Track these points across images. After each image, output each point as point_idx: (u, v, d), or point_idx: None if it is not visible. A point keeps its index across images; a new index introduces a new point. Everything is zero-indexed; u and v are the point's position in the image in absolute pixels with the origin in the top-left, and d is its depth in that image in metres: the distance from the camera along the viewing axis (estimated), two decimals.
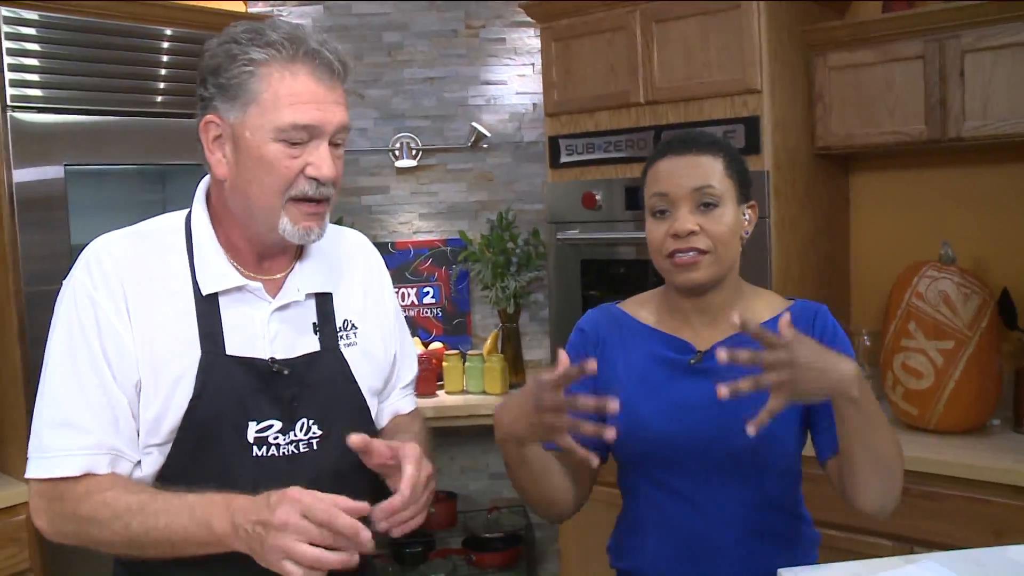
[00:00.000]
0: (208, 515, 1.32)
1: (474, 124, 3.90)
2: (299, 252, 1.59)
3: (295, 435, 1.50)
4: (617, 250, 3.25)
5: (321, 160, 1.43)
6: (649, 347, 1.72)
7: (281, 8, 3.89)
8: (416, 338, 3.95)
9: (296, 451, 1.50)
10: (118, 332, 1.42)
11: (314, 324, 1.56)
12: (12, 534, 2.72)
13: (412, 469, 1.39)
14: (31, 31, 2.78)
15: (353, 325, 1.61)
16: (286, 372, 1.49)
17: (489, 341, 3.77)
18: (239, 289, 1.50)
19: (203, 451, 1.45)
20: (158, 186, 3.50)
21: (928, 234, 3.12)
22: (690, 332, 1.72)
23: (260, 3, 3.89)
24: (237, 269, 1.51)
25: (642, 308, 1.80)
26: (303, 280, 1.56)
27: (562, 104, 3.35)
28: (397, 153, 3.93)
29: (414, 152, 3.94)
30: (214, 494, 1.34)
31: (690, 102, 3.02)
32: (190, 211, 1.56)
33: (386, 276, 1.75)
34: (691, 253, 1.61)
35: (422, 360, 3.66)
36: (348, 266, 1.66)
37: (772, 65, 2.87)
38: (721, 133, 2.91)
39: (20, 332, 2.77)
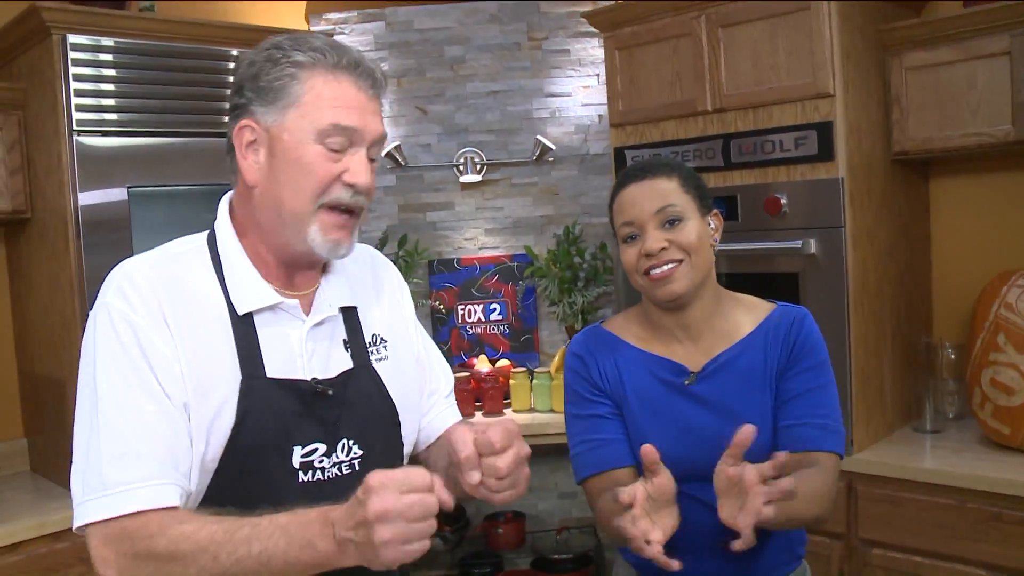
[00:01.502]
0: (309, 534, 1.20)
1: (539, 137, 3.85)
2: (325, 267, 1.55)
3: (338, 457, 1.44)
4: None
5: (359, 166, 1.41)
6: (646, 369, 1.79)
7: (343, 26, 3.89)
8: (483, 356, 3.89)
9: (340, 473, 1.44)
10: (164, 354, 1.34)
11: (344, 341, 1.52)
12: (81, 554, 2.58)
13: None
14: (97, 56, 2.82)
15: (382, 339, 1.57)
16: (330, 392, 1.44)
17: (557, 358, 3.70)
18: (272, 308, 1.45)
19: (248, 479, 1.38)
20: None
21: (1016, 241, 2.96)
22: (679, 350, 1.79)
23: (323, 22, 3.89)
24: (270, 286, 1.46)
25: (627, 328, 1.85)
26: (332, 294, 1.52)
27: (627, 114, 3.27)
28: (461, 168, 3.89)
29: (478, 167, 3.90)
30: (307, 511, 1.23)
31: (759, 109, 2.91)
32: (211, 230, 1.50)
33: (404, 285, 1.73)
34: (665, 267, 1.70)
35: (489, 378, 3.62)
36: (367, 278, 1.63)
37: (845, 67, 2.75)
38: (792, 140, 2.80)
39: None
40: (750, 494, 1.42)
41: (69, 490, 2.80)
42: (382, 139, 1.46)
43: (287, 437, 1.40)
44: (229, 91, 3.06)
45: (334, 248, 1.43)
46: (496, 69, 3.93)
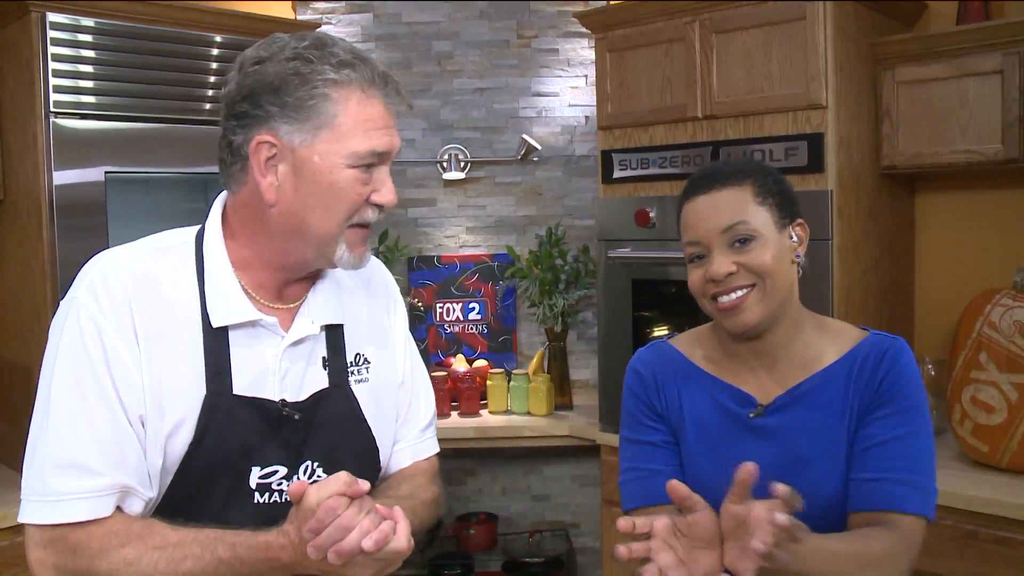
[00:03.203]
0: (264, 556, 1.24)
1: (524, 136, 3.81)
2: (316, 277, 1.48)
3: (298, 479, 1.38)
4: (670, 270, 3.12)
5: (387, 187, 1.38)
6: (709, 395, 1.58)
7: (330, 16, 3.83)
8: (461, 355, 3.86)
9: None
10: (126, 362, 1.30)
11: (324, 358, 1.45)
12: None
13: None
14: (77, 37, 2.75)
15: (365, 360, 1.50)
16: (296, 416, 1.38)
17: (535, 360, 3.67)
18: (254, 324, 1.39)
19: (200, 495, 1.34)
20: (200, 194, 3.44)
21: (1001, 259, 2.96)
22: (750, 379, 1.56)
23: (309, 11, 3.83)
24: (252, 298, 1.39)
25: (696, 348, 1.64)
26: (317, 310, 1.44)
27: (616, 117, 3.24)
28: (445, 165, 3.85)
29: (462, 164, 3.86)
30: (256, 536, 1.24)
31: (750, 117, 2.89)
32: (202, 228, 1.44)
33: (399, 299, 1.65)
34: (734, 295, 1.47)
35: (465, 378, 3.59)
36: (358, 291, 1.55)
37: (838, 79, 2.74)
38: (783, 150, 2.79)
39: None
40: (756, 532, 1.21)
41: None
42: (398, 150, 1.43)
43: (247, 457, 1.35)
44: (211, 78, 3.03)
45: (359, 262, 1.41)
46: (484, 66, 3.89)
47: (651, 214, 3.10)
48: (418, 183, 3.91)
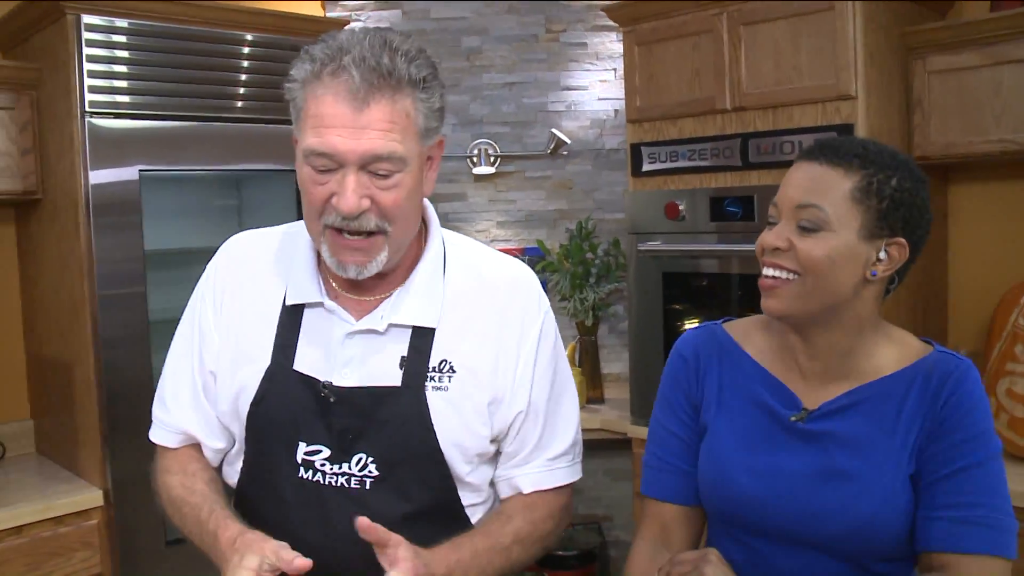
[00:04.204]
0: (205, 545, 1.41)
1: (554, 131, 3.81)
2: (405, 279, 1.46)
3: (348, 468, 1.41)
4: (701, 263, 3.12)
5: (343, 193, 1.30)
6: (752, 390, 1.47)
7: (359, 13, 3.86)
8: None
9: (346, 485, 1.41)
10: (209, 324, 1.52)
11: (402, 358, 1.43)
12: (85, 538, 2.76)
13: None
14: (111, 38, 2.79)
15: (452, 368, 1.43)
16: (332, 400, 1.41)
17: (567, 353, 3.68)
18: (322, 306, 1.45)
19: (261, 459, 1.48)
20: (233, 192, 3.49)
21: None
22: (798, 379, 1.45)
23: (339, 8, 3.86)
24: (328, 285, 1.46)
25: (750, 336, 1.52)
26: (396, 309, 1.43)
27: (644, 110, 3.23)
28: (475, 160, 3.86)
29: (492, 159, 3.87)
30: (212, 522, 1.40)
31: (779, 109, 2.88)
32: None
33: (536, 326, 1.50)
34: (775, 273, 1.36)
35: None
36: (475, 304, 1.48)
37: (868, 70, 2.71)
38: (812, 142, 2.76)
39: (94, 336, 2.78)
40: None
41: (73, 473, 2.84)
42: (380, 156, 1.29)
43: (295, 431, 1.42)
44: (243, 76, 3.07)
45: (341, 268, 1.37)
46: (512, 61, 3.90)
47: (681, 207, 3.10)
48: (449, 178, 3.93)
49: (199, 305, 1.55)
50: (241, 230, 3.43)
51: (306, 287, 1.45)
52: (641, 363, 3.26)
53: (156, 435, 1.58)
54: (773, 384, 1.46)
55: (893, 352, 1.41)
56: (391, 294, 1.45)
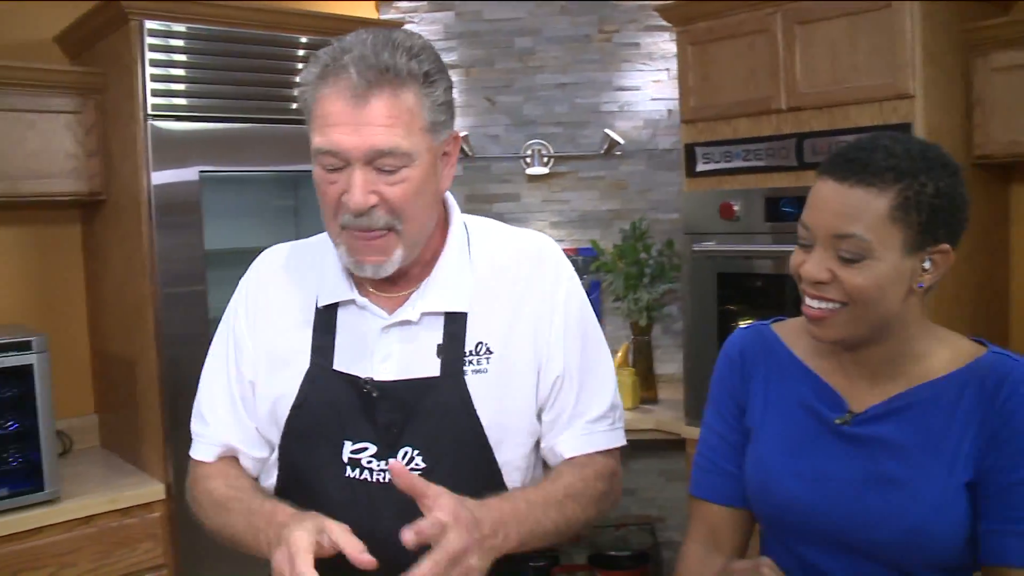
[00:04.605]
0: (255, 528, 1.35)
1: (607, 131, 3.81)
2: (431, 269, 1.48)
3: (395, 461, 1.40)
4: (755, 264, 3.11)
5: (352, 190, 1.32)
6: (798, 391, 1.44)
7: (412, 14, 3.90)
8: None
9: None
10: (244, 334, 1.53)
11: (439, 346, 1.44)
12: (149, 530, 2.84)
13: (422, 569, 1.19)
14: (170, 43, 2.86)
15: (488, 349, 1.44)
16: (375, 395, 1.42)
17: (620, 354, 3.68)
18: (355, 304, 1.46)
19: (302, 462, 1.47)
20: (291, 192, 3.55)
21: None
22: (845, 381, 1.40)
23: (392, 10, 3.90)
24: (358, 283, 1.47)
25: (798, 337, 1.48)
26: (427, 299, 1.45)
27: (699, 110, 3.23)
28: (528, 160, 3.88)
29: (546, 159, 3.88)
30: (266, 504, 1.38)
31: (835, 108, 2.86)
32: None
33: (562, 291, 1.51)
34: (821, 304, 1.31)
35: None
36: (502, 282, 1.49)
37: (926, 68, 2.68)
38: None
39: (156, 333, 2.85)
40: None
41: (136, 467, 2.91)
42: (383, 152, 1.31)
43: (340, 430, 1.43)
44: (297, 78, 3.13)
45: (359, 267, 1.40)
46: (566, 61, 3.91)
47: (735, 207, 3.08)
48: (502, 178, 3.95)
49: (233, 319, 1.56)
50: (298, 230, 3.49)
51: (337, 287, 1.47)
52: (695, 364, 3.25)
53: (197, 451, 1.55)
54: (819, 386, 1.43)
55: (944, 354, 1.36)
56: (419, 286, 1.46)
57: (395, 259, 1.38)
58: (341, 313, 1.47)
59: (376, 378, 1.42)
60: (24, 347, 2.65)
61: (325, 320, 1.47)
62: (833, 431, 1.38)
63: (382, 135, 1.30)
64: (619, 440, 1.55)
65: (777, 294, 3.07)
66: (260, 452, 1.53)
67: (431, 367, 1.43)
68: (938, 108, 2.75)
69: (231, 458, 1.54)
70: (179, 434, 2.85)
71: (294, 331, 1.49)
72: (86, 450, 3.26)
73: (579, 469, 1.48)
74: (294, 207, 3.56)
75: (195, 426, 1.57)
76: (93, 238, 3.26)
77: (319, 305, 1.48)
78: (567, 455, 1.49)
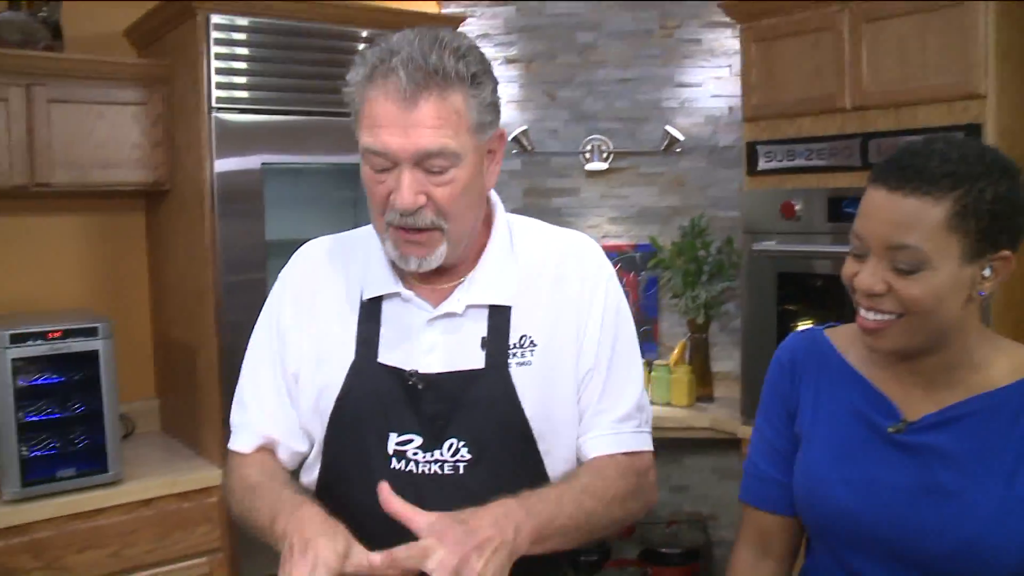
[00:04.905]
0: (276, 513, 1.33)
1: (668, 128, 3.79)
2: (476, 263, 1.50)
3: (440, 455, 1.42)
4: (816, 264, 3.06)
5: (399, 190, 1.33)
6: (850, 399, 1.41)
7: (473, 8, 3.90)
8: None
9: (440, 472, 1.42)
10: (288, 326, 1.53)
11: (483, 339, 1.45)
12: (207, 513, 2.90)
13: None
14: (237, 36, 2.90)
15: (532, 342, 1.46)
16: (420, 387, 1.43)
17: (676, 351, 3.66)
18: (399, 296, 1.48)
19: (348, 454, 1.47)
20: (349, 184, 3.57)
21: None
22: (900, 390, 1.37)
23: (453, 5, 3.91)
24: (399, 277, 1.48)
25: (852, 343, 1.45)
26: (472, 292, 1.47)
27: (762, 108, 3.19)
28: (588, 155, 3.86)
29: (605, 155, 3.86)
30: (296, 496, 1.37)
31: (902, 108, 2.80)
32: None
33: (600, 288, 1.52)
34: (877, 315, 1.28)
35: None
36: (544, 277, 1.51)
37: (1000, 67, 2.62)
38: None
39: (217, 321, 2.91)
40: None
41: (195, 451, 2.97)
42: (431, 153, 1.32)
43: (385, 422, 1.44)
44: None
45: (403, 261, 1.42)
46: (627, 56, 3.88)
47: (797, 207, 3.05)
48: (561, 173, 3.94)
49: (276, 311, 1.56)
50: (356, 221, 3.51)
51: (383, 280, 1.49)
52: (753, 363, 3.22)
53: (236, 442, 1.55)
54: (872, 393, 1.39)
55: (1004, 364, 1.32)
56: (464, 279, 1.48)
57: (439, 255, 1.41)
58: (386, 306, 1.49)
59: (421, 370, 1.44)
60: (91, 333, 2.72)
61: (370, 312, 1.49)
62: (885, 439, 1.35)
63: (430, 137, 1.31)
64: (645, 444, 1.55)
65: (837, 295, 3.00)
66: (299, 446, 1.53)
67: (475, 359, 1.45)
68: (1012, 108, 2.68)
69: (269, 450, 1.53)
70: None
71: (339, 323, 1.50)
72: (147, 433, 3.33)
73: (600, 467, 1.48)
74: (353, 198, 3.58)
75: (235, 417, 1.57)
76: (157, 227, 3.32)
77: (364, 298, 1.49)
78: (591, 454, 1.50)
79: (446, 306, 1.46)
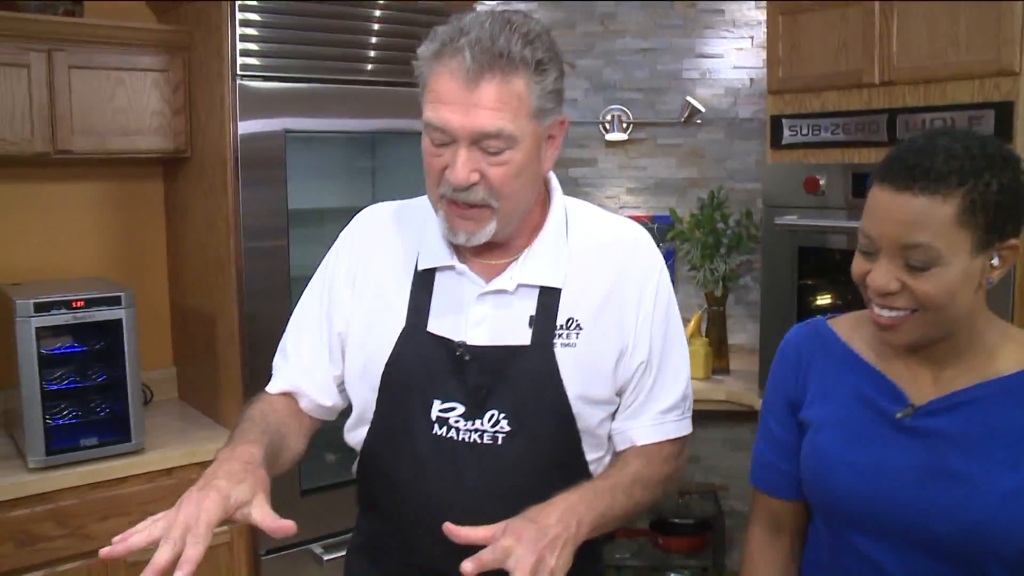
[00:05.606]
0: (229, 442, 1.38)
1: (689, 99, 3.76)
2: (531, 243, 1.52)
3: (480, 424, 1.47)
4: (838, 239, 3.05)
5: (454, 166, 1.37)
6: (856, 384, 1.43)
7: None
8: None
9: (479, 441, 1.47)
10: (340, 287, 1.59)
11: (531, 317, 1.49)
12: None
13: None
14: (259, 2, 2.85)
15: (578, 325, 1.49)
16: (467, 358, 1.47)
17: (692, 323, 3.66)
18: (452, 269, 1.51)
19: (394, 418, 1.52)
20: (368, 153, 3.55)
21: None
22: (906, 375, 1.39)
23: None
24: (454, 250, 1.52)
25: (856, 331, 1.47)
26: (524, 271, 1.50)
27: (787, 81, 3.17)
28: (607, 126, 3.84)
29: (625, 125, 3.84)
30: (253, 434, 1.39)
31: (931, 84, 2.78)
32: None
33: (653, 281, 1.55)
34: (891, 312, 1.30)
35: None
36: (597, 264, 1.53)
37: None
38: (967, 119, 2.67)
39: (238, 288, 2.89)
40: None
41: (214, 420, 2.97)
42: (489, 134, 1.35)
43: (431, 389, 1.49)
44: (374, 39, 3.10)
45: (452, 233, 1.46)
46: (647, 26, 3.84)
47: (821, 181, 3.03)
48: (579, 143, 3.92)
49: (332, 270, 1.62)
50: (374, 191, 3.46)
51: (438, 252, 1.52)
52: (771, 337, 3.22)
53: (274, 386, 1.61)
54: (878, 379, 1.41)
55: (1013, 351, 1.35)
56: (517, 257, 1.51)
57: (487, 231, 1.44)
58: (439, 277, 1.53)
59: (468, 342, 1.48)
60: (114, 302, 2.70)
61: (423, 282, 1.53)
62: (893, 424, 1.37)
63: (489, 118, 1.34)
64: (687, 429, 1.60)
65: None
66: (325, 400, 1.60)
67: (522, 336, 1.49)
68: None
69: (291, 396, 1.59)
70: (258, 388, 2.86)
71: (392, 291, 1.54)
72: (165, 402, 3.33)
73: (646, 456, 1.55)
74: (372, 167, 3.57)
75: (276, 360, 1.64)
76: (175, 195, 3.30)
77: (419, 268, 1.53)
78: (640, 442, 1.55)
79: (498, 283, 1.50)
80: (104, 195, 3.26)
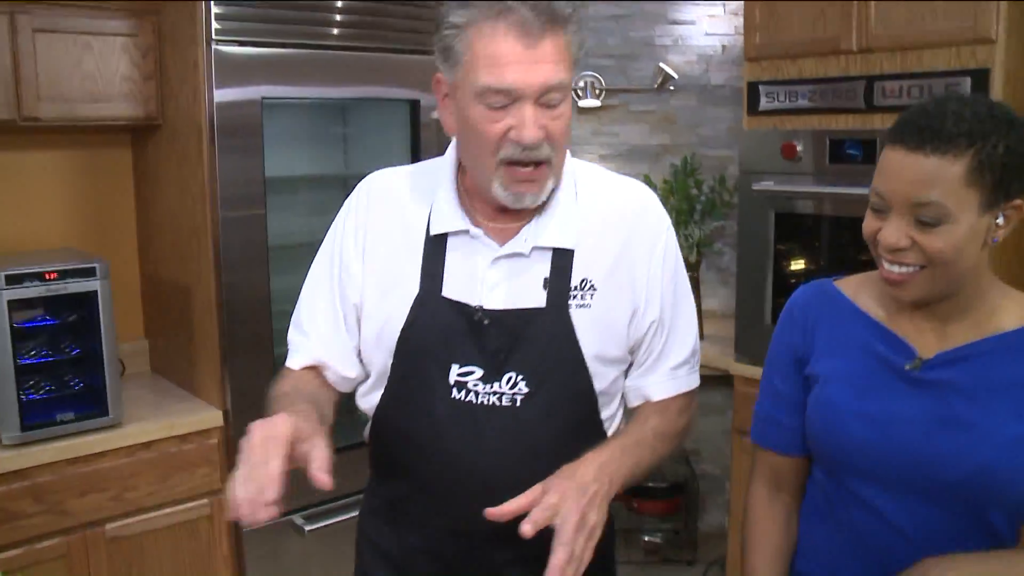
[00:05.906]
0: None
1: (661, 65, 3.76)
2: (542, 205, 1.53)
3: (499, 387, 1.49)
4: (815, 204, 3.08)
5: (522, 123, 1.38)
6: (864, 341, 1.48)
7: None
8: None
9: (498, 403, 1.49)
10: (351, 257, 1.58)
11: (545, 279, 1.51)
12: (207, 455, 2.88)
13: (558, 557, 1.27)
14: None
15: (592, 286, 1.52)
16: (486, 322, 1.48)
17: None
18: (466, 233, 1.52)
19: (412, 383, 1.53)
20: (340, 120, 3.50)
21: None
22: (912, 331, 1.44)
23: None
24: (470, 214, 1.52)
25: (862, 291, 1.53)
26: (537, 233, 1.51)
27: (764, 48, 3.17)
28: (580, 93, 3.83)
29: (597, 92, 3.83)
30: (296, 404, 1.40)
31: (908, 51, 2.81)
32: None
33: (661, 241, 1.58)
34: (901, 268, 1.35)
35: None
36: (607, 224, 1.55)
37: (1011, 11, 2.62)
38: (943, 86, 2.70)
39: (215, 259, 2.84)
40: None
41: (189, 392, 2.92)
42: (552, 87, 1.38)
43: (448, 354, 1.49)
44: (339, 3, 3.02)
45: (517, 199, 1.46)
46: None
47: (798, 148, 3.05)
48: None
49: (340, 239, 1.60)
50: (345, 159, 3.39)
51: (451, 216, 1.52)
52: (747, 302, 3.26)
53: (290, 360, 1.62)
54: (886, 335, 1.46)
55: (1014, 310, 1.42)
56: (531, 220, 1.52)
57: (547, 188, 1.47)
58: (451, 241, 1.53)
59: (485, 306, 1.49)
60: (88, 273, 2.64)
61: (435, 247, 1.53)
62: (901, 376, 1.42)
63: (552, 71, 1.37)
64: (696, 382, 1.66)
65: (833, 236, 3.06)
66: (349, 371, 1.60)
67: (537, 298, 1.50)
68: (1019, 55, 2.70)
69: (316, 369, 1.60)
70: (236, 359, 2.87)
71: (404, 257, 1.54)
72: (137, 375, 3.27)
73: (663, 411, 1.59)
74: (343, 134, 3.52)
75: (293, 336, 1.64)
76: (144, 163, 3.22)
77: (431, 233, 1.53)
78: (655, 398, 1.60)
79: (512, 246, 1.51)
80: (72, 163, 3.18)
